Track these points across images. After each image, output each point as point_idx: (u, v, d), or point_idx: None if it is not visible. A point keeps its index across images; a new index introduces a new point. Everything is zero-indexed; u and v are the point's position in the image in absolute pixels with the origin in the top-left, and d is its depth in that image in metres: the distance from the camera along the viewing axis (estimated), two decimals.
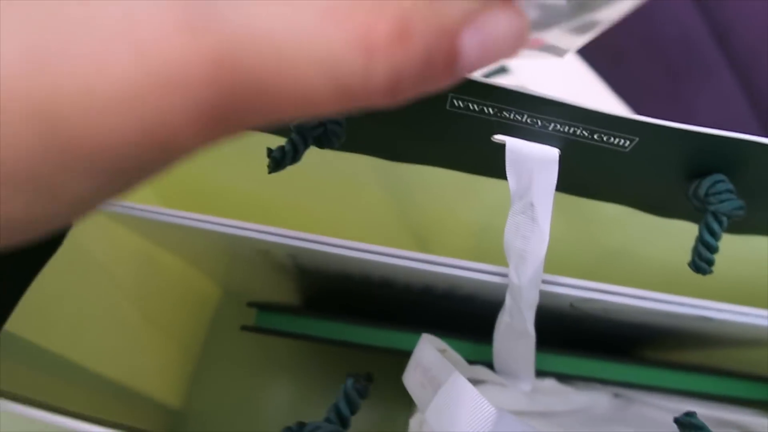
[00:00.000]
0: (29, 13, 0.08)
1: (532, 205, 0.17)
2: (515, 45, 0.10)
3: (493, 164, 0.19)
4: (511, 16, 0.10)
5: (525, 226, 0.18)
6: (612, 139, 0.17)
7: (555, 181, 0.18)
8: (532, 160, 0.18)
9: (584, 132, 0.17)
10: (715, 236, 0.17)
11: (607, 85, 0.44)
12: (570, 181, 0.19)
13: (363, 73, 0.09)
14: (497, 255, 0.19)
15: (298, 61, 0.09)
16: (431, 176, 0.22)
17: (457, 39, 0.10)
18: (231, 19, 0.08)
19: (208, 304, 0.35)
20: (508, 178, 0.18)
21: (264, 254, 0.22)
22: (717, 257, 0.17)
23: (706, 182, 0.17)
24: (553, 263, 0.19)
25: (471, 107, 0.17)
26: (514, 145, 0.18)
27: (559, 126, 0.17)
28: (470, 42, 0.10)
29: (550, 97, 0.16)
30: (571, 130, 0.17)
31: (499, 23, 0.10)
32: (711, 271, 0.17)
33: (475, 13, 0.10)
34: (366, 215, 0.26)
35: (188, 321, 0.33)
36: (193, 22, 0.08)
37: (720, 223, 0.17)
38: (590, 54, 0.44)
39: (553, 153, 0.18)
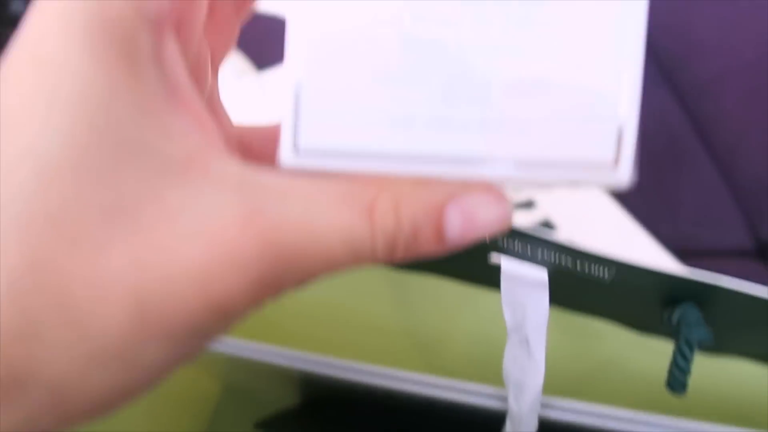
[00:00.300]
0: (131, 230, 0.10)
1: (527, 340, 0.19)
2: (497, 224, 0.12)
3: (490, 278, 0.21)
4: (493, 199, 0.12)
5: (522, 359, 0.19)
6: (593, 269, 0.19)
7: (547, 313, 0.19)
8: (525, 287, 0.20)
9: (569, 261, 0.19)
10: (687, 360, 0.19)
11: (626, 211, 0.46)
12: (560, 297, 0.21)
13: (370, 241, 0.11)
14: (499, 365, 0.21)
15: (326, 237, 0.11)
16: (433, 286, 0.24)
17: (442, 215, 0.12)
18: (277, 210, 0.11)
19: (208, 400, 0.34)
20: (504, 311, 0.20)
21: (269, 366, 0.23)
22: (703, 374, 0.18)
23: (678, 311, 0.19)
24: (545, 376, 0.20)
25: None
26: (508, 267, 0.20)
27: (546, 254, 0.19)
28: (453, 218, 0.12)
29: (535, 234, 0.18)
30: (557, 259, 0.19)
31: (480, 204, 0.12)
32: (684, 392, 0.19)
33: (458, 194, 0.12)
34: (369, 319, 0.28)
35: (186, 417, 0.32)
36: (249, 215, 0.11)
37: (691, 348, 0.19)
38: None
39: (543, 278, 0.20)
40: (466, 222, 0.12)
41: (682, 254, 0.45)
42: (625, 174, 0.12)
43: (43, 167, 0.10)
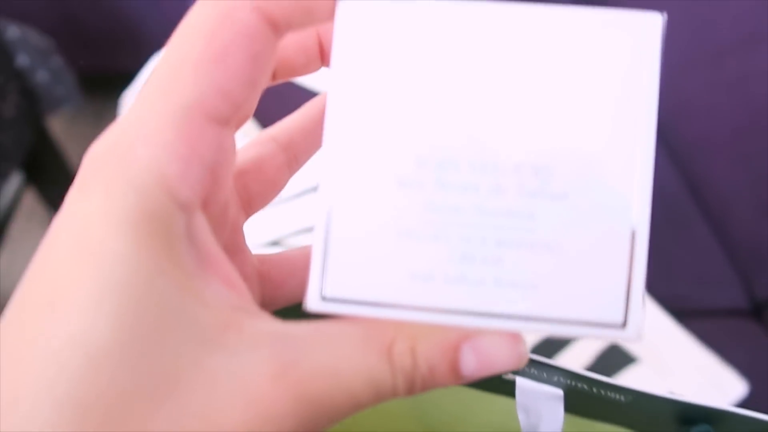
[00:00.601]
0: (174, 400, 0.11)
1: None
2: (512, 364, 0.13)
3: (505, 389, 0.21)
4: (507, 340, 0.13)
5: None
6: (609, 393, 0.19)
7: (562, 421, 0.19)
8: (540, 399, 0.20)
9: (584, 386, 0.19)
10: None
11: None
12: (575, 408, 0.21)
13: (391, 381, 0.12)
14: None
15: (351, 382, 0.12)
16: (440, 391, 0.23)
17: (457, 354, 0.12)
18: (306, 360, 0.12)
19: None
20: (519, 415, 0.20)
21: None
22: None
23: (694, 430, 0.19)
24: None
25: None
26: (523, 383, 0.20)
27: (561, 379, 0.19)
28: (468, 358, 0.12)
29: (550, 363, 0.18)
30: (572, 383, 0.19)
31: (494, 344, 0.13)
32: None
33: (472, 334, 0.12)
34: (383, 406, 0.28)
35: None
36: (282, 370, 0.11)
37: None
38: None
39: (558, 393, 0.20)
40: (481, 361, 0.12)
41: (679, 314, 0.46)
42: (633, 333, 0.12)
43: (94, 353, 0.11)
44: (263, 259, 0.17)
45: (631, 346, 0.46)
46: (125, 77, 0.50)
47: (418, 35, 0.13)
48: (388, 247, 0.13)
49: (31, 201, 0.77)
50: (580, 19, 0.13)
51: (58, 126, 0.79)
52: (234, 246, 0.16)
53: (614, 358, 0.45)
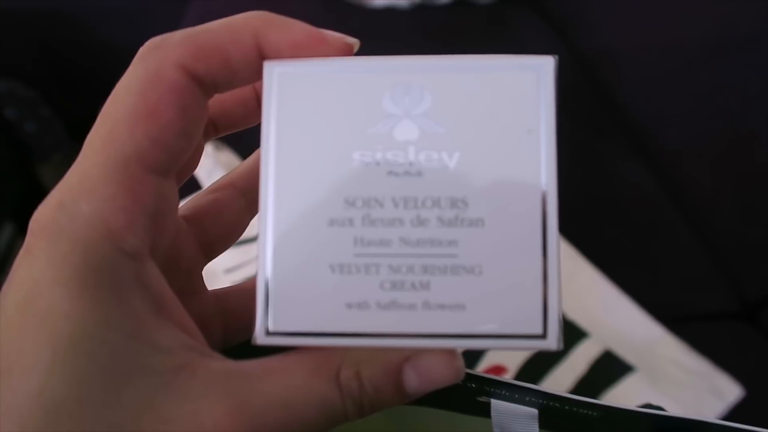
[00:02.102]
0: None
1: None
2: (451, 378, 0.14)
3: (480, 411, 0.21)
4: (444, 357, 0.14)
5: None
6: (581, 410, 0.19)
7: None
8: (515, 418, 0.20)
9: (556, 404, 0.19)
10: None
11: (585, 257, 0.47)
12: (550, 425, 0.21)
13: (341, 406, 0.13)
14: None
15: (304, 410, 0.13)
16: (419, 413, 0.23)
17: (400, 373, 0.13)
18: (260, 398, 0.12)
19: None
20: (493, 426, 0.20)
21: None
22: None
23: None
24: None
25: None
26: (497, 405, 0.20)
27: (534, 399, 0.19)
28: (411, 377, 0.14)
29: (521, 384, 0.18)
30: (545, 402, 0.19)
31: (433, 362, 0.14)
32: None
33: (413, 355, 0.14)
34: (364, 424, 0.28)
35: None
36: (238, 407, 0.12)
37: None
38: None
39: (533, 412, 0.20)
40: (422, 378, 0.14)
41: (670, 321, 0.46)
42: (553, 342, 0.14)
43: (52, 408, 0.11)
44: (221, 293, 0.18)
45: (625, 354, 0.46)
46: None
47: (340, 89, 0.14)
48: (323, 281, 0.14)
49: None
50: (486, 64, 0.14)
51: (48, 173, 0.80)
52: (191, 288, 0.16)
53: (609, 367, 0.45)
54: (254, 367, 0.13)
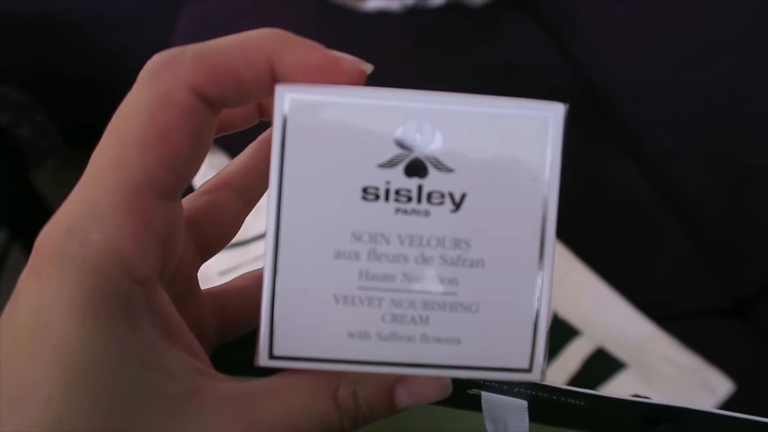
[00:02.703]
0: None
1: None
2: (440, 395, 0.15)
3: (471, 404, 0.22)
4: (434, 379, 0.15)
5: None
6: (569, 399, 0.19)
7: (527, 430, 0.20)
8: (505, 410, 0.20)
9: (545, 394, 0.19)
10: None
11: (577, 257, 0.48)
12: (540, 417, 0.21)
13: (338, 421, 0.14)
14: None
15: (307, 428, 0.13)
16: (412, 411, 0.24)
17: (393, 392, 0.14)
18: (267, 418, 0.13)
19: None
20: (487, 427, 0.21)
21: None
22: None
23: (658, 430, 0.19)
24: None
25: None
26: (488, 396, 0.21)
27: (523, 389, 0.20)
28: (402, 396, 0.15)
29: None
30: (534, 393, 0.20)
31: (423, 382, 0.15)
32: None
33: (405, 377, 0.15)
34: None
35: None
36: (247, 429, 0.13)
37: None
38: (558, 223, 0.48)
39: (522, 403, 0.20)
40: (413, 397, 0.15)
41: (661, 318, 0.46)
42: (537, 375, 0.15)
43: None
44: (215, 292, 0.18)
45: (617, 352, 0.46)
46: (105, 124, 0.51)
47: (352, 119, 0.14)
48: (327, 311, 0.14)
49: (18, 257, 0.78)
50: (498, 107, 0.14)
51: (42, 178, 0.80)
52: (188, 293, 0.17)
53: (601, 365, 0.45)
54: (259, 387, 0.14)
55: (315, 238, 0.14)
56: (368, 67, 0.14)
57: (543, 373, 0.15)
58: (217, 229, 0.17)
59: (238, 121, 0.17)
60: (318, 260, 0.14)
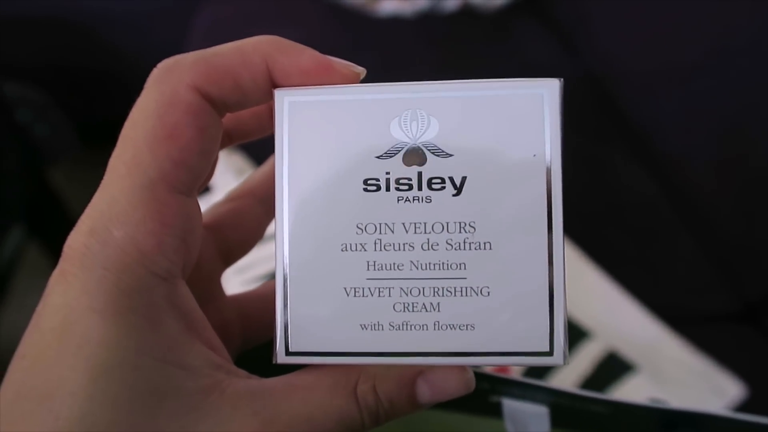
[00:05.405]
0: None
1: None
2: (462, 390, 0.15)
3: (492, 411, 0.22)
4: (455, 371, 0.15)
5: None
6: (591, 406, 0.20)
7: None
8: (527, 417, 0.21)
9: (566, 401, 0.20)
10: None
11: (589, 259, 0.48)
12: (561, 422, 0.22)
13: (359, 417, 0.14)
14: None
15: (325, 424, 0.13)
16: (432, 416, 0.24)
17: (413, 386, 0.14)
18: (285, 415, 0.13)
19: None
20: (506, 426, 0.21)
21: None
22: None
23: None
24: None
25: None
26: (509, 404, 0.21)
27: (545, 396, 0.20)
28: (423, 389, 0.14)
29: (531, 382, 0.19)
30: (555, 400, 0.20)
31: (444, 375, 0.15)
32: None
33: (426, 368, 0.14)
34: None
35: None
36: (264, 426, 0.13)
37: None
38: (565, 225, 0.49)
39: (543, 410, 0.21)
40: (434, 391, 0.14)
41: (673, 321, 0.47)
42: (559, 358, 0.14)
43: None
44: (240, 298, 0.18)
45: (628, 354, 0.47)
46: (120, 123, 0.51)
47: (348, 116, 0.14)
48: (338, 304, 0.14)
49: (34, 254, 0.79)
50: (491, 89, 0.14)
51: (58, 176, 0.80)
52: (212, 295, 0.17)
53: (613, 367, 0.45)
54: (277, 384, 0.14)
55: (322, 234, 0.14)
56: (360, 70, 0.15)
57: (566, 356, 0.14)
58: (239, 235, 0.18)
59: (251, 129, 0.17)
60: (326, 255, 0.14)
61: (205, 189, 0.17)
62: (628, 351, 0.46)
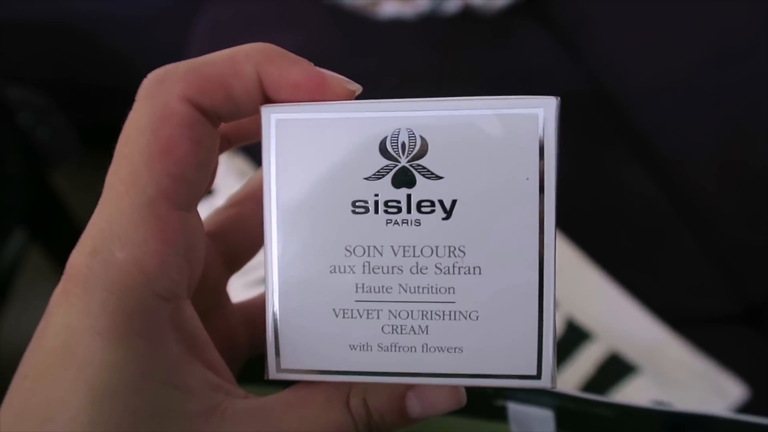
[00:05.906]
0: None
1: None
2: (453, 406, 0.15)
3: (497, 415, 0.22)
4: (446, 388, 0.15)
5: None
6: (596, 409, 0.20)
7: None
8: (532, 420, 0.21)
9: (572, 404, 0.20)
10: None
11: (591, 261, 0.48)
12: (566, 425, 0.22)
13: (354, 429, 0.14)
14: None
15: None
16: (437, 421, 0.24)
17: (404, 401, 0.14)
18: (285, 429, 0.13)
19: None
20: (511, 427, 0.21)
21: None
22: None
23: None
24: None
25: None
26: (515, 408, 0.21)
27: (550, 400, 0.20)
28: (414, 404, 0.15)
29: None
30: (561, 403, 0.20)
31: (435, 391, 0.15)
32: None
33: (416, 387, 0.15)
34: None
35: None
36: None
37: None
38: (567, 227, 0.49)
39: (548, 414, 0.21)
40: (425, 406, 0.15)
41: (675, 323, 0.47)
42: (547, 381, 0.14)
43: None
44: (245, 305, 0.18)
45: (630, 356, 0.47)
46: (122, 126, 0.52)
47: (337, 135, 0.14)
48: (327, 324, 0.14)
49: (36, 257, 0.79)
50: (484, 108, 0.14)
51: (60, 180, 0.80)
52: (218, 304, 0.17)
53: (615, 369, 0.45)
54: (274, 403, 0.14)
55: (311, 255, 0.14)
56: (356, 87, 0.14)
57: (554, 379, 0.14)
58: (243, 241, 0.18)
59: (251, 133, 0.17)
60: (315, 276, 0.14)
61: (208, 192, 0.17)
62: (630, 352, 0.46)
